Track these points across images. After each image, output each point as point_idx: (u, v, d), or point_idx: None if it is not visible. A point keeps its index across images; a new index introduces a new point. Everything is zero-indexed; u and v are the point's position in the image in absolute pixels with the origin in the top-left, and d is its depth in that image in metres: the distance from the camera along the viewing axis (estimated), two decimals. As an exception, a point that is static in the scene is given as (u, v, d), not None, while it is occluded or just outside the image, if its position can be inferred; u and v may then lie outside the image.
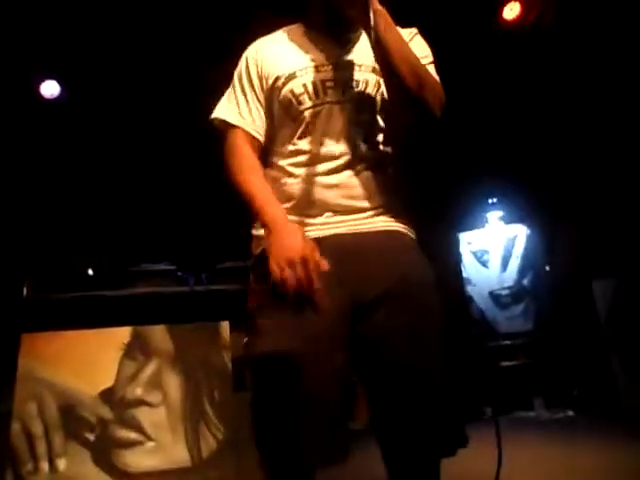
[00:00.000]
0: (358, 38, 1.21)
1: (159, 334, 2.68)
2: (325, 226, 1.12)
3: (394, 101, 1.13)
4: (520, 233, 4.71)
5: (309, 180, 1.13)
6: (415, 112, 1.10)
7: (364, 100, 1.15)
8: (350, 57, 1.18)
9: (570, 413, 4.18)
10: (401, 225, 1.18)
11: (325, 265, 0.99)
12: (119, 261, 3.15)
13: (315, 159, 1.13)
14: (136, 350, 2.66)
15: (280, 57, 1.19)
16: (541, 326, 4.51)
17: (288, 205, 1.14)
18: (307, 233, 1.08)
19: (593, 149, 4.29)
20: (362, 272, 1.07)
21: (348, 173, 1.13)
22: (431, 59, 1.23)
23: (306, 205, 1.13)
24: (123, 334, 2.67)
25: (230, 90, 1.25)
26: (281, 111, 1.17)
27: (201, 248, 3.77)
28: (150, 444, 2.61)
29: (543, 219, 4.62)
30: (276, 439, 1.02)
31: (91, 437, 2.60)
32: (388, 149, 1.20)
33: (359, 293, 1.06)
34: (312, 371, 0.99)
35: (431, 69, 1.19)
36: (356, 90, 1.15)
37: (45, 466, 2.48)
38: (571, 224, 4.46)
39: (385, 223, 1.15)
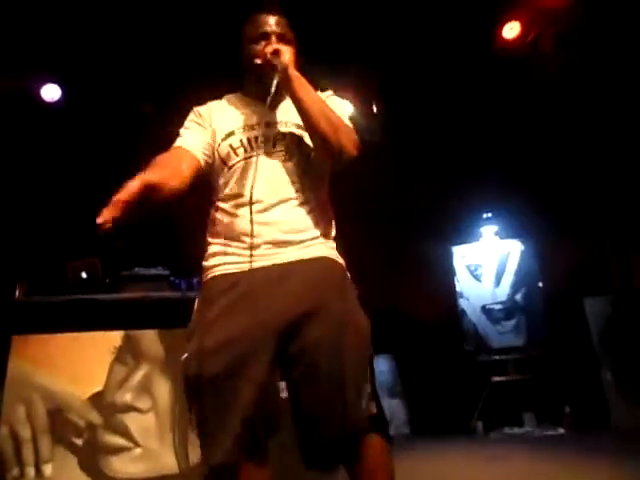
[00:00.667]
0: (284, 100, 1.47)
1: (150, 339, 2.66)
2: (259, 258, 1.33)
3: (315, 145, 1.39)
4: (514, 248, 4.74)
5: (247, 218, 1.33)
6: (332, 151, 1.36)
7: (289, 150, 1.41)
8: (277, 116, 1.46)
9: (561, 430, 4.18)
10: (327, 251, 1.39)
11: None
12: (113, 265, 3.14)
13: (250, 201, 1.32)
14: (127, 354, 2.64)
15: (222, 118, 1.47)
16: (533, 342, 4.52)
17: (230, 238, 1.37)
18: (243, 265, 1.32)
19: (590, 166, 4.34)
20: (284, 298, 1.28)
21: (278, 211, 1.36)
22: (346, 114, 1.50)
23: (245, 239, 1.34)
24: (114, 338, 2.65)
25: (183, 129, 1.51)
26: (219, 162, 1.43)
27: (194, 254, 3.78)
28: (138, 450, 2.59)
29: (538, 235, 4.65)
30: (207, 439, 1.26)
31: (79, 442, 2.57)
32: (313, 188, 1.42)
33: (283, 316, 1.27)
34: (232, 384, 1.22)
35: (346, 120, 1.45)
36: (282, 142, 1.42)
37: (31, 471, 2.45)
38: (565, 241, 4.49)
39: (311, 251, 1.36)
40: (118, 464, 2.56)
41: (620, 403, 4.07)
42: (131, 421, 2.60)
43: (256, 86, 1.46)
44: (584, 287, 4.44)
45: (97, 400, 2.57)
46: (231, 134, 1.43)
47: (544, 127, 4.38)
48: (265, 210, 1.35)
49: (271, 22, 1.46)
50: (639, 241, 4.38)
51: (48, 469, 2.46)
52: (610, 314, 4.22)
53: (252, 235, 1.31)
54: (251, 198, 1.31)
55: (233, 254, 1.35)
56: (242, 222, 1.35)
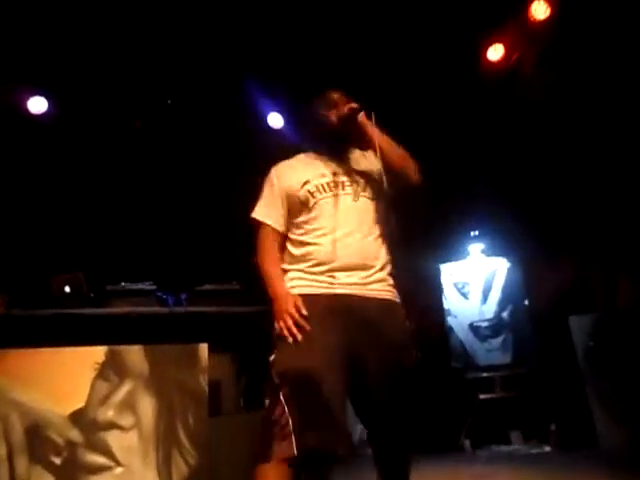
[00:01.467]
0: (349, 151, 1.86)
1: (135, 354, 2.61)
2: (342, 286, 1.64)
3: (390, 175, 1.72)
4: (501, 266, 4.77)
5: (328, 246, 1.66)
6: (403, 178, 1.75)
7: (359, 190, 1.75)
8: (344, 164, 1.81)
9: (547, 448, 4.17)
10: (392, 292, 1.73)
11: (303, 310, 1.59)
12: (98, 279, 3.10)
13: (331, 231, 1.67)
14: (110, 370, 2.58)
15: (295, 173, 1.80)
16: (520, 359, 4.52)
17: (311, 265, 1.69)
18: (333, 290, 1.64)
19: (577, 184, 4.41)
20: (360, 328, 1.59)
21: (350, 241, 1.67)
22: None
23: (325, 265, 1.66)
24: (98, 354, 2.60)
25: (261, 196, 1.84)
26: (299, 205, 1.74)
27: (182, 269, 3.74)
28: (119, 469, 2.52)
29: (524, 253, 4.69)
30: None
31: (57, 461, 2.50)
32: (378, 221, 1.75)
33: (355, 343, 1.58)
34: (324, 379, 1.49)
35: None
36: (352, 185, 1.75)
37: (6, 491, 2.37)
38: (551, 259, 4.53)
39: (382, 290, 1.69)
40: (98, 484, 2.49)
41: (605, 421, 4.08)
42: (113, 439, 2.53)
43: (326, 144, 1.83)
44: (570, 305, 4.47)
45: (78, 417, 2.51)
46: (307, 182, 1.75)
47: (531, 146, 4.46)
48: (339, 240, 1.67)
49: (336, 95, 1.85)
50: (625, 260, 4.44)
51: (25, 489, 2.38)
52: (594, 332, 4.25)
53: (332, 260, 1.65)
54: (332, 230, 1.66)
55: (308, 279, 1.68)
56: (323, 250, 1.66)
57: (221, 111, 4.47)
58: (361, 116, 1.76)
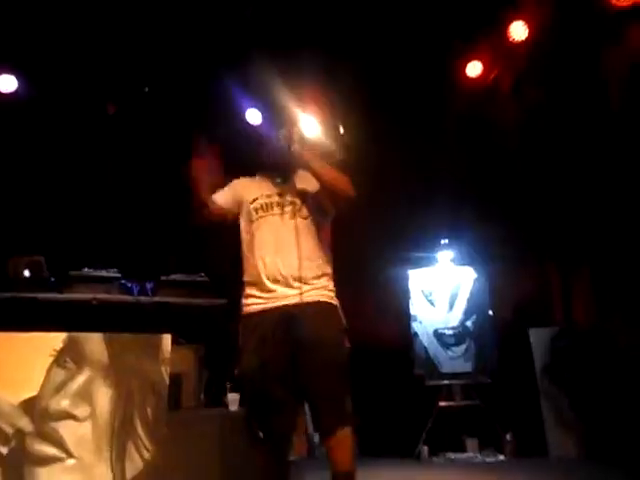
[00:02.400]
0: (294, 172, 2.04)
1: (95, 343, 2.53)
2: (277, 299, 1.86)
3: (326, 192, 1.96)
4: (468, 275, 4.85)
5: (262, 263, 1.89)
6: (337, 194, 1.97)
7: (295, 210, 1.96)
8: (287, 185, 2.02)
9: (501, 457, 4.25)
10: (324, 294, 1.90)
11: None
12: (60, 264, 2.99)
13: (265, 250, 1.91)
14: (67, 358, 2.49)
15: (251, 186, 2.07)
16: (481, 369, 4.60)
17: (254, 280, 1.92)
18: (265, 305, 1.87)
19: (543, 199, 4.54)
20: (297, 332, 1.79)
21: (287, 257, 1.88)
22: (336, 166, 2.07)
23: (264, 281, 1.88)
24: (55, 340, 2.50)
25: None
26: (246, 217, 2.01)
27: (148, 258, 3.66)
28: (70, 461, 2.43)
29: (490, 264, 4.78)
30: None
31: (4, 450, 2.39)
32: (314, 238, 1.95)
33: (294, 345, 1.79)
34: (268, 380, 1.79)
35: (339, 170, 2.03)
36: (290, 205, 1.97)
37: (-54, 482, 2.26)
38: (515, 271, 4.64)
39: (318, 295, 1.88)
40: (47, 476, 2.39)
41: (557, 432, 4.19)
42: (66, 430, 2.44)
43: (274, 160, 2.05)
44: (530, 317, 4.59)
45: (29, 406, 2.41)
46: (255, 200, 2.00)
47: (503, 158, 4.57)
48: (276, 257, 1.88)
49: (287, 113, 2.19)
50: (582, 273, 4.59)
51: (-33, 479, 2.27)
52: (552, 346, 4.37)
53: (267, 277, 1.87)
54: (266, 247, 1.89)
55: (256, 296, 1.89)
56: (258, 266, 1.89)
57: (197, 103, 4.42)
58: (295, 142, 1.97)
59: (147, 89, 4.37)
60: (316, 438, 4.41)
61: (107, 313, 2.69)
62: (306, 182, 2.01)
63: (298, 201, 1.98)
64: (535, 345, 4.41)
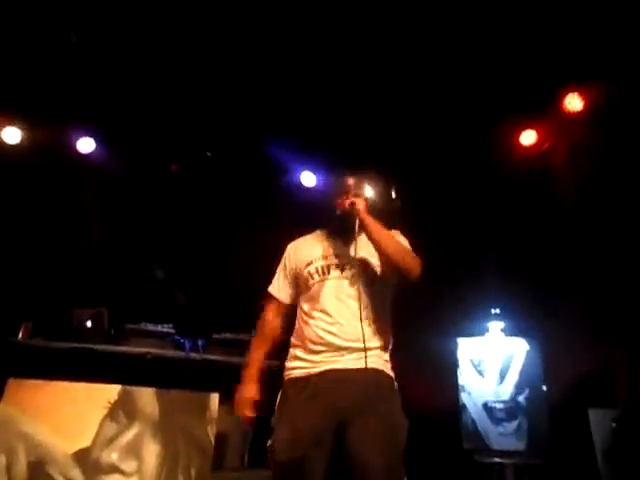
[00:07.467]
0: (357, 237, 1.91)
1: (146, 397, 2.60)
2: (324, 363, 1.79)
3: (389, 267, 1.88)
4: (520, 347, 4.66)
5: (318, 327, 1.83)
6: (401, 272, 1.86)
7: (354, 276, 1.89)
8: (347, 250, 1.95)
9: None
10: (381, 364, 1.84)
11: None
12: (119, 316, 3.13)
13: (321, 314, 1.84)
14: (120, 411, 2.57)
15: (305, 251, 2.03)
16: (534, 448, 4.32)
17: (303, 343, 1.87)
18: (314, 369, 1.80)
19: (601, 271, 4.38)
20: (346, 400, 1.71)
21: (343, 323, 1.82)
22: (407, 243, 2.01)
23: (313, 346, 1.82)
24: (110, 392, 2.59)
25: (277, 271, 2.09)
26: (302, 283, 1.97)
27: (202, 315, 3.75)
28: (114, 516, 2.45)
29: (544, 336, 4.59)
30: None
31: (54, 499, 2.44)
32: (374, 305, 1.88)
33: (343, 414, 1.69)
34: (307, 466, 1.65)
35: (408, 247, 1.98)
36: (349, 271, 1.90)
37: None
38: (572, 345, 4.42)
39: (368, 362, 1.77)
40: (91, 529, 2.41)
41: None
42: (113, 484, 2.47)
43: (336, 226, 2.00)
44: (589, 396, 4.31)
45: (82, 456, 2.48)
46: (310, 263, 1.96)
47: (559, 231, 4.49)
48: (332, 322, 1.82)
49: (350, 182, 2.00)
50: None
51: (18, 526, 2.31)
52: (615, 429, 4.07)
53: (320, 342, 1.80)
54: (323, 312, 1.83)
55: (304, 360, 1.82)
56: (312, 330, 1.84)
57: (257, 166, 4.62)
58: (361, 211, 1.90)
59: (209, 154, 4.64)
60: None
61: (159, 368, 2.77)
62: (368, 248, 1.94)
63: (360, 265, 1.91)
64: (595, 427, 4.11)
